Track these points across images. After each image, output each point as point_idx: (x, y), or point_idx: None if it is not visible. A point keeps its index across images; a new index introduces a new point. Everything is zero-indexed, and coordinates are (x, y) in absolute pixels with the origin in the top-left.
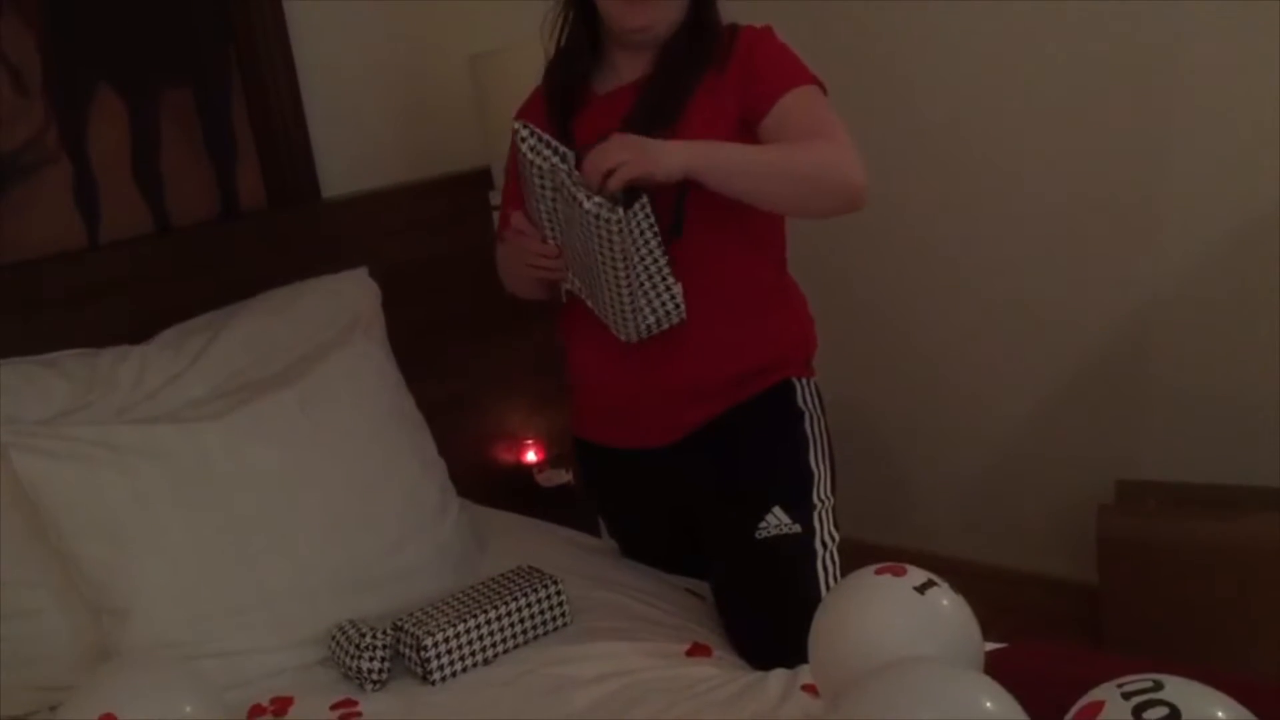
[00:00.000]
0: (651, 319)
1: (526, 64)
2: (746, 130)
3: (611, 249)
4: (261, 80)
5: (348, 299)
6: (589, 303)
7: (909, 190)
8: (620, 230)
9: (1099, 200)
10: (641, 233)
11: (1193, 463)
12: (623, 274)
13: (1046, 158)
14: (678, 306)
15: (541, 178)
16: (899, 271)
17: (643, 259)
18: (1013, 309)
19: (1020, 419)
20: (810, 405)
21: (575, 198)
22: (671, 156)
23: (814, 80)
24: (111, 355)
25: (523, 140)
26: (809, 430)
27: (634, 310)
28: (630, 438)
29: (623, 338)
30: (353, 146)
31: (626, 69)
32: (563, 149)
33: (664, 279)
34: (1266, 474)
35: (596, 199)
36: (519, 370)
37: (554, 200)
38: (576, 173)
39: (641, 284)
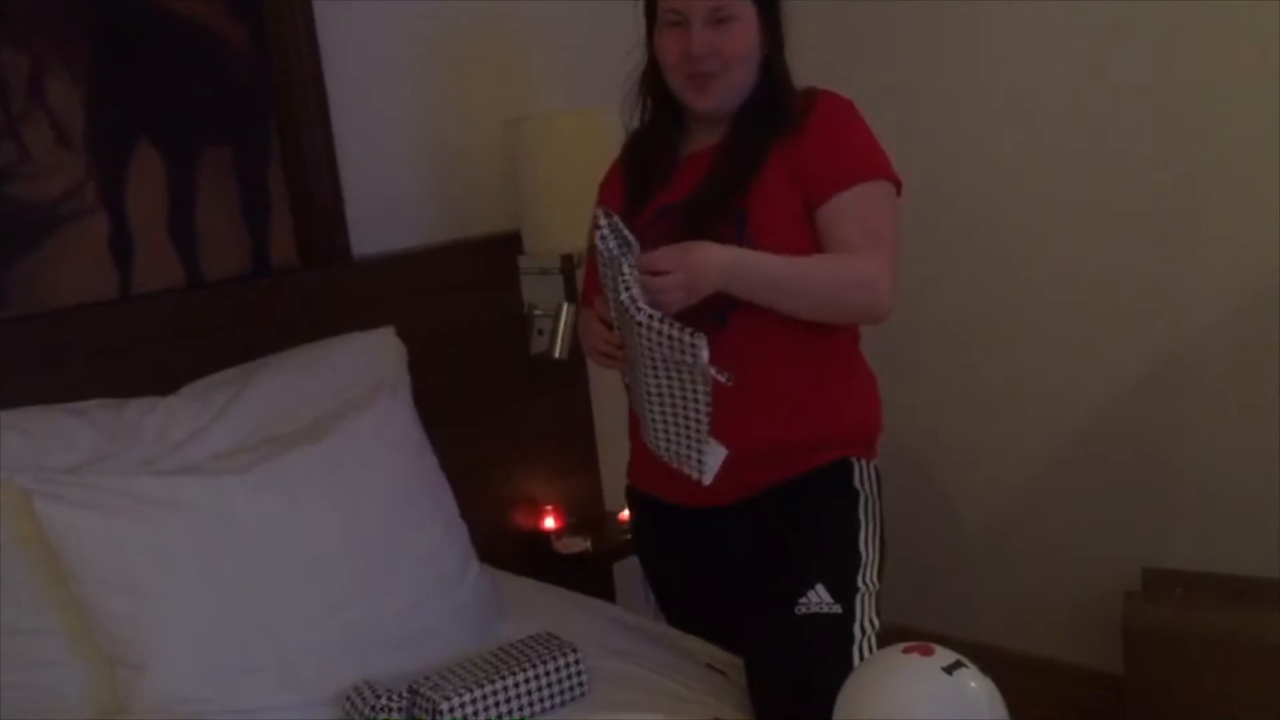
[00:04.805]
0: (670, 449)
1: (559, 130)
2: (809, 209)
3: (651, 353)
4: (298, 141)
5: (374, 358)
6: (630, 396)
7: (942, 273)
8: (659, 342)
9: (1127, 288)
10: (691, 375)
11: (1221, 553)
12: (651, 382)
13: (1077, 244)
14: (700, 464)
15: (605, 266)
16: (929, 353)
17: (685, 393)
18: (1042, 397)
19: (1048, 506)
20: (867, 487)
21: (622, 303)
22: (710, 278)
23: (885, 171)
24: (138, 406)
25: (598, 227)
26: (862, 513)
27: (659, 427)
28: (680, 492)
29: (646, 443)
30: (385, 207)
31: (708, 134)
32: (631, 238)
33: (699, 429)
34: None
35: (648, 310)
36: (541, 436)
37: (611, 288)
38: (634, 270)
39: (676, 410)
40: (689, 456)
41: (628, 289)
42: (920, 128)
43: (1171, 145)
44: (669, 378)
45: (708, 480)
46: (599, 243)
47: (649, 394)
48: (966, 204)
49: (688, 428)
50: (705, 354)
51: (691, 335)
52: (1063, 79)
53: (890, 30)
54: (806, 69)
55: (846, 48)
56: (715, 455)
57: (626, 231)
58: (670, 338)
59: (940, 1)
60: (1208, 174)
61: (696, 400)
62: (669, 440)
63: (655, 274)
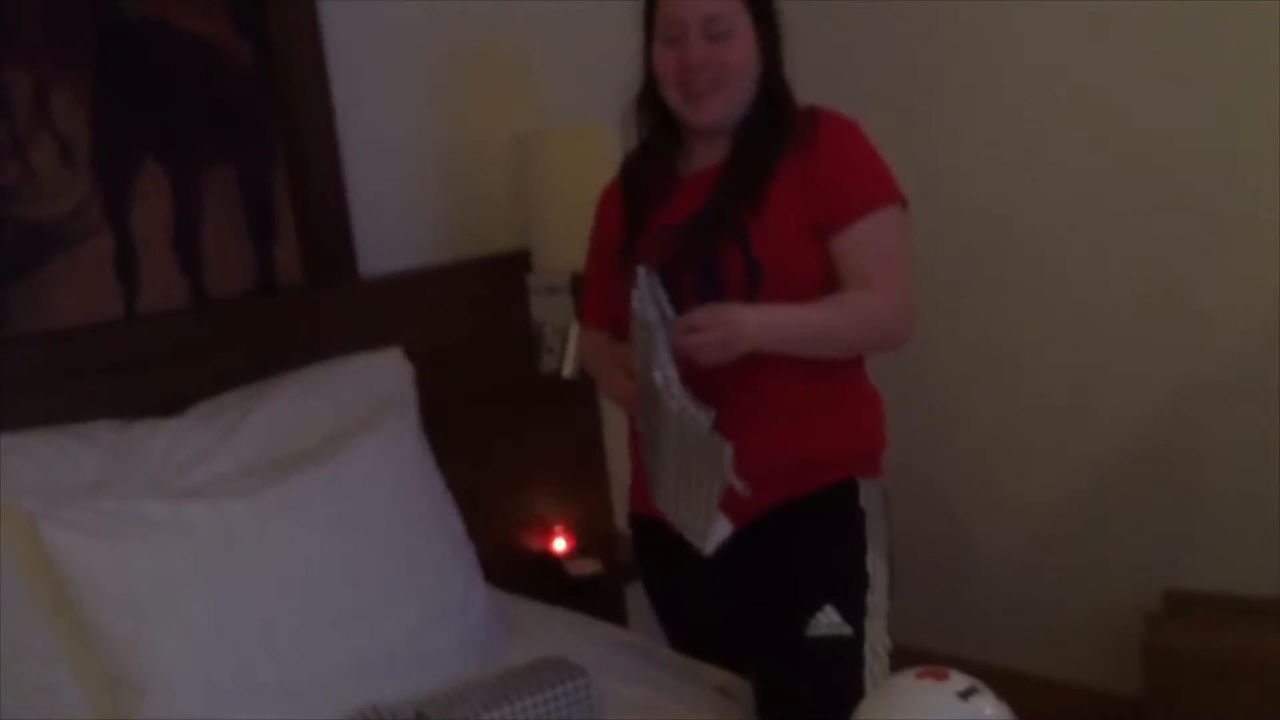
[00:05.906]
0: (677, 514)
1: (568, 146)
2: (815, 232)
3: (676, 438)
4: (304, 158)
5: (382, 378)
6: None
7: (956, 287)
8: (685, 432)
9: (1149, 305)
10: (714, 458)
11: (1244, 573)
12: (669, 454)
13: (1096, 257)
14: (704, 536)
15: (638, 330)
16: (943, 369)
17: (701, 475)
18: (1060, 412)
19: (1067, 524)
20: (873, 507)
21: (653, 380)
22: (745, 338)
23: (895, 196)
24: (143, 428)
25: (637, 286)
26: (869, 532)
27: (669, 493)
28: None
29: (654, 501)
30: (392, 225)
31: (707, 153)
32: (667, 311)
33: (709, 506)
34: None
35: (681, 401)
36: (550, 457)
37: (642, 353)
38: (668, 348)
39: (690, 485)
40: (693, 526)
41: (661, 368)
42: (931, 135)
43: (1197, 154)
44: (688, 459)
45: (708, 551)
46: (635, 304)
47: (664, 462)
48: (977, 218)
49: (697, 503)
50: (729, 459)
51: (719, 440)
52: (1082, 80)
53: (899, 30)
54: (810, 70)
55: (853, 47)
56: (721, 530)
57: (665, 301)
58: (698, 436)
59: (959, 1)
60: (1232, 187)
61: (711, 484)
62: (677, 507)
63: (691, 331)
